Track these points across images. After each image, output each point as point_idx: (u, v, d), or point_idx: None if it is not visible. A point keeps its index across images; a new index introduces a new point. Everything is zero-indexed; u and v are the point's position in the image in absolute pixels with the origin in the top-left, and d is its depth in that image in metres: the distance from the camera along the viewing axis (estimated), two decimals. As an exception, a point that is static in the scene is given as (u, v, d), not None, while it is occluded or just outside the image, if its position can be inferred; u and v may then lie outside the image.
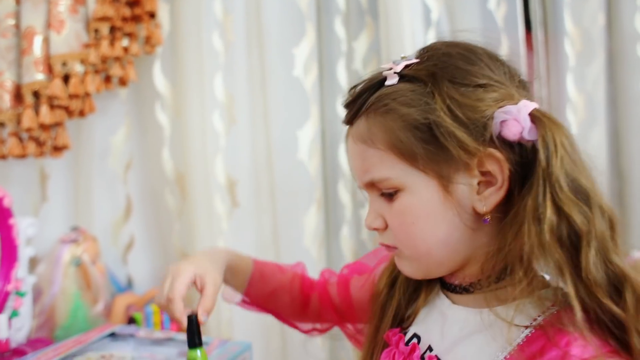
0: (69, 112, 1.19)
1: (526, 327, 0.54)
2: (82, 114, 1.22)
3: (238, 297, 0.88)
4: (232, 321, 1.31)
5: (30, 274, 1.13)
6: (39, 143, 1.20)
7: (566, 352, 0.50)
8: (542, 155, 0.52)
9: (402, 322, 0.68)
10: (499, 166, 0.55)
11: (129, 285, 1.38)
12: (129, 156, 1.37)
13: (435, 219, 0.57)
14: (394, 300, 0.69)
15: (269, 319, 1.28)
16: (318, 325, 0.92)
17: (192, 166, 1.29)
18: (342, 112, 0.67)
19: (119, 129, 1.35)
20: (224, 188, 1.31)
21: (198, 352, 0.69)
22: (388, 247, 0.62)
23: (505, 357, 0.54)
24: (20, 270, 1.07)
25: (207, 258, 0.79)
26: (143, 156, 1.37)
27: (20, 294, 1.07)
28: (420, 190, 0.57)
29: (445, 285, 0.64)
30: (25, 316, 1.08)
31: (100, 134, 1.34)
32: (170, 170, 1.33)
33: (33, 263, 1.21)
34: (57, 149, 1.23)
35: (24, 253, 1.08)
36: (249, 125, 1.32)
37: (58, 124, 1.20)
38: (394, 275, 0.70)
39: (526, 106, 0.54)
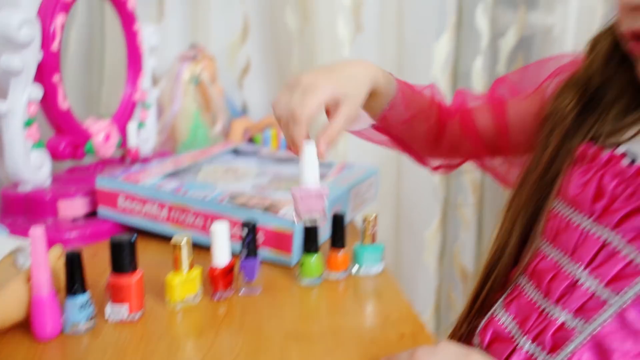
0: None
1: None
2: None
3: (364, 124, 0.74)
4: (347, 150, 1.27)
5: (154, 88, 1.11)
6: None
7: None
8: None
9: (596, 139, 0.56)
10: None
11: (244, 111, 1.36)
12: (248, -29, 1.27)
13: None
14: (593, 115, 0.57)
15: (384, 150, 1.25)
16: (448, 161, 0.82)
17: (316, -18, 1.18)
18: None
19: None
20: (348, 10, 1.20)
21: (313, 257, 0.64)
22: None
23: None
24: (145, 80, 1.05)
25: (352, 75, 0.62)
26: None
27: (146, 106, 1.06)
28: None
29: None
30: (150, 128, 1.08)
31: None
32: (291, -13, 1.22)
33: (153, 82, 1.19)
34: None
35: (148, 63, 1.05)
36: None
37: None
38: (592, 88, 0.58)
39: None
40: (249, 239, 0.61)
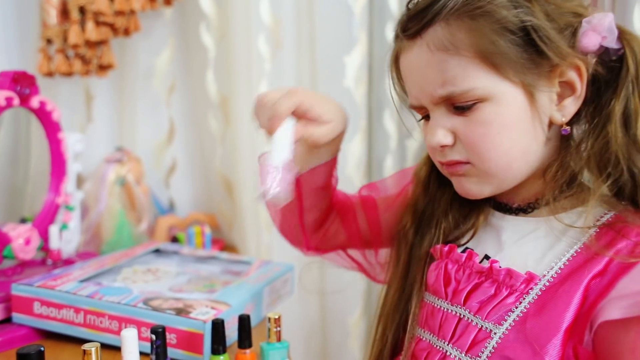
0: (114, 29, 1.18)
1: (590, 227, 0.56)
2: (127, 32, 1.21)
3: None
4: (271, 245, 1.33)
5: (78, 190, 1.15)
6: (85, 61, 1.20)
7: (637, 242, 0.53)
8: (630, 61, 0.54)
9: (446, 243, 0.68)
10: (579, 75, 0.56)
11: (171, 208, 1.40)
12: (173, 78, 1.36)
13: (520, 128, 0.57)
14: (429, 228, 0.69)
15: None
16: (323, 245, 0.86)
17: (236, 90, 1.27)
18: (392, 38, 0.65)
19: (163, 50, 1.33)
20: (267, 114, 1.30)
21: (220, 359, 0.69)
22: (454, 164, 0.61)
23: (572, 255, 0.56)
24: (69, 184, 1.09)
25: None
26: (187, 78, 1.36)
27: (69, 208, 1.09)
28: (506, 99, 0.56)
29: (499, 206, 0.65)
30: (74, 230, 1.11)
31: (144, 55, 1.32)
32: (214, 93, 1.31)
33: (79, 182, 1.23)
34: (103, 68, 1.23)
35: (72, 168, 1.10)
36: (295, 50, 1.29)
37: (103, 42, 1.19)
38: (420, 209, 0.71)
39: (610, 17, 0.55)
40: (158, 344, 0.64)
